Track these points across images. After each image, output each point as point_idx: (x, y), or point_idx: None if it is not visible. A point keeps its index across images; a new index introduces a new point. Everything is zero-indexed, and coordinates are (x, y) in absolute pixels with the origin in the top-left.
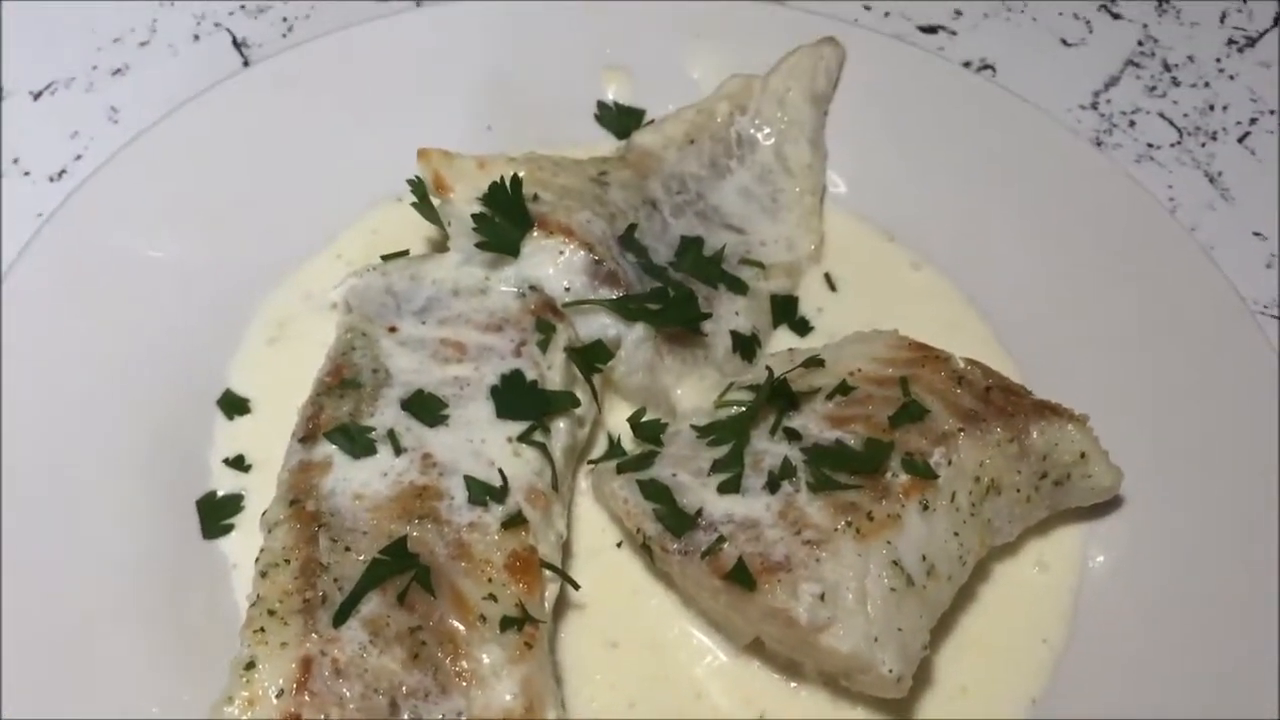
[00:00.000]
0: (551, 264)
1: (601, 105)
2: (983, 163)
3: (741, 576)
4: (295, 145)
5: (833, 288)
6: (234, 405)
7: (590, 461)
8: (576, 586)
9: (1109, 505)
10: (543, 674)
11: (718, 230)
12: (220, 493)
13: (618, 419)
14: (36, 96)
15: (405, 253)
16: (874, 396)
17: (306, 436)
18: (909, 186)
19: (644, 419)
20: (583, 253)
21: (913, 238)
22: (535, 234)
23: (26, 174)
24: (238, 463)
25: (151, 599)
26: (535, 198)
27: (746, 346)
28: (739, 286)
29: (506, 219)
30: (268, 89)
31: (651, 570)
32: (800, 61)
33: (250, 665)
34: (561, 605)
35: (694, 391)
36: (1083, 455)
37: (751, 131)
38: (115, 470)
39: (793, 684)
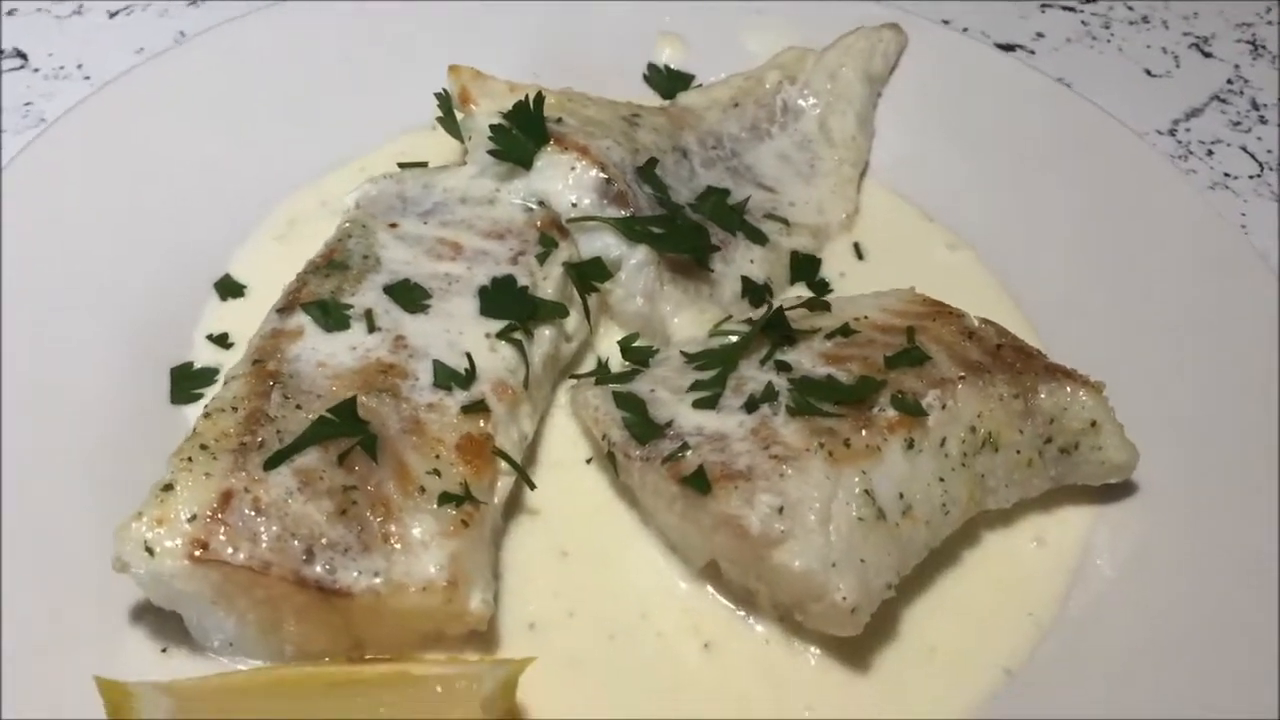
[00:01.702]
0: (562, 179)
1: (652, 67)
2: (1036, 157)
3: (698, 482)
4: (337, 67)
5: (860, 256)
6: (229, 289)
7: (573, 377)
8: (532, 486)
9: (1123, 492)
10: (475, 555)
11: (747, 186)
12: (197, 365)
13: (610, 346)
14: (113, 15)
15: (424, 164)
16: (875, 341)
17: (284, 308)
18: (956, 172)
19: (636, 344)
20: (595, 171)
21: (953, 220)
22: (550, 149)
23: (87, 78)
24: (220, 340)
25: (110, 450)
26: (559, 121)
27: (756, 293)
28: (758, 237)
29: (524, 132)
30: (319, 12)
31: (616, 488)
32: (858, 41)
33: (168, 487)
34: (515, 508)
35: (691, 324)
36: (1094, 424)
37: (798, 101)
38: (106, 327)
39: (744, 615)
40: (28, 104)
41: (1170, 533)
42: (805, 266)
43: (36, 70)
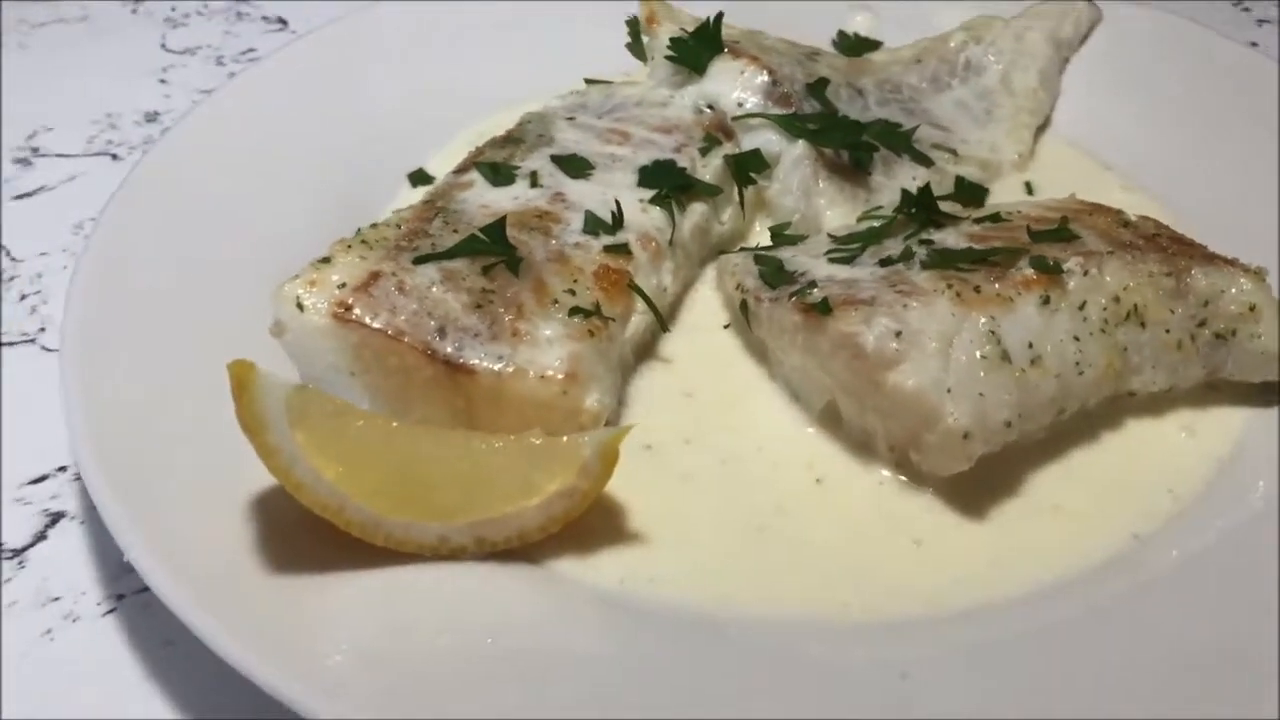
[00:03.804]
0: (731, 82)
1: (841, 33)
2: (1225, 123)
3: (820, 307)
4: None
5: (1030, 193)
6: (420, 178)
7: (721, 253)
8: (665, 326)
9: None
10: (596, 363)
11: (922, 125)
12: None
13: (764, 239)
14: None
15: (609, 82)
16: (1025, 227)
17: (460, 169)
18: (1139, 131)
19: (787, 232)
20: (764, 75)
21: (1132, 170)
22: (723, 56)
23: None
24: None
25: None
26: (737, 42)
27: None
28: (923, 160)
29: (700, 43)
30: None
31: (748, 348)
32: (1048, 8)
33: (326, 260)
34: (647, 353)
35: (844, 219)
36: (1253, 309)
37: (982, 59)
38: (320, 202)
39: (860, 461)
40: None
41: None
42: (970, 191)
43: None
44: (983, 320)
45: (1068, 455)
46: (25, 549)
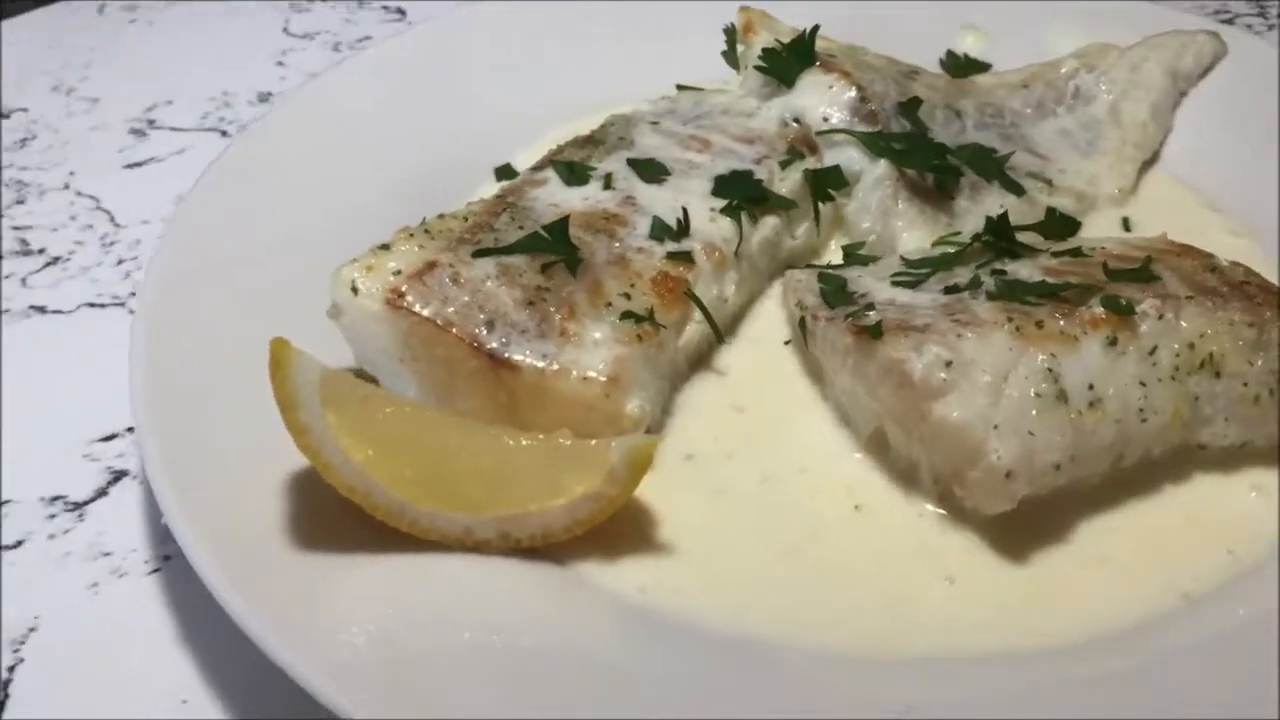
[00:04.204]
0: (819, 96)
1: (950, 53)
2: None
3: (873, 330)
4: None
5: (1128, 229)
6: (505, 173)
7: (790, 268)
8: (720, 337)
9: None
10: (643, 369)
11: (1020, 152)
12: None
13: (839, 258)
14: None
15: (701, 89)
16: (1105, 264)
17: (537, 166)
18: (1258, 176)
19: (860, 252)
20: (853, 91)
21: (1241, 214)
22: (814, 69)
23: None
24: None
25: None
26: (833, 56)
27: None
28: (1014, 187)
29: (792, 55)
30: None
31: (805, 367)
32: (1169, 39)
33: (384, 247)
34: (702, 364)
35: (922, 243)
36: None
37: (1093, 87)
38: (393, 191)
39: (904, 491)
40: None
41: None
42: (1062, 223)
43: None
44: (1041, 357)
45: (1124, 505)
46: (86, 503)
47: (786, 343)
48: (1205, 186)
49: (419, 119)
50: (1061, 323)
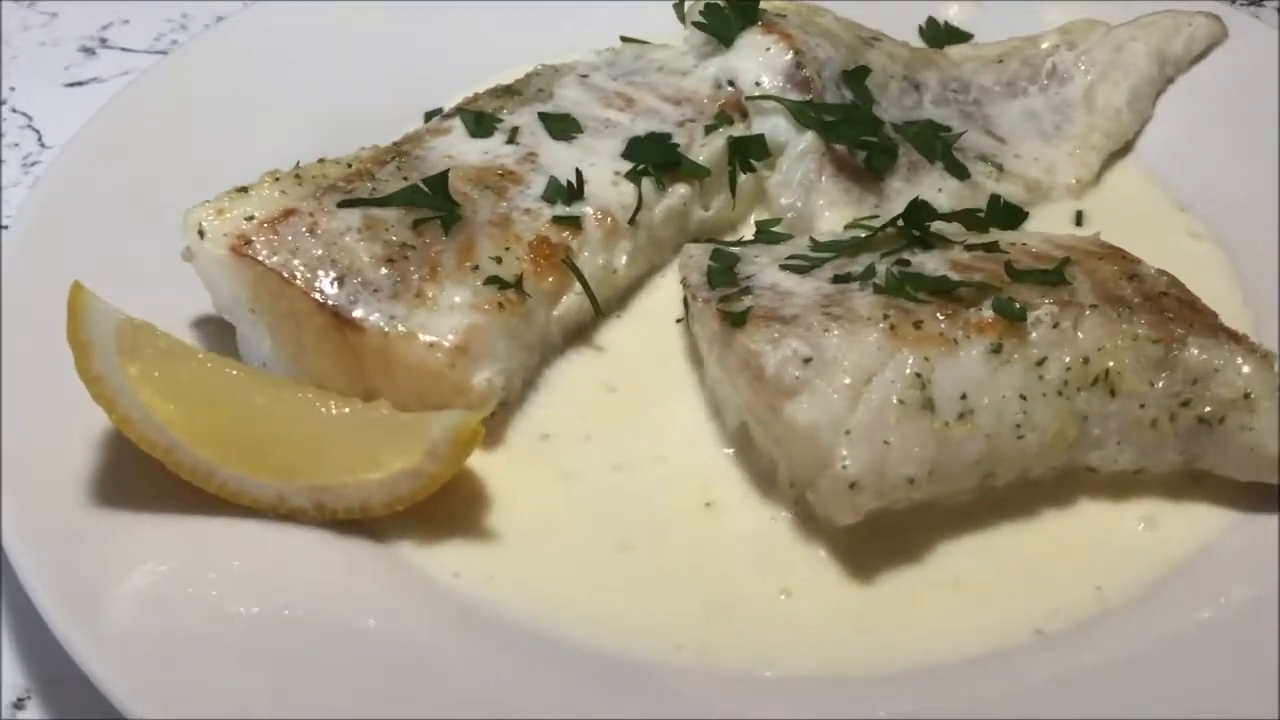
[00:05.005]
0: (754, 58)
1: (931, 20)
2: None
3: (736, 317)
4: None
5: (1079, 224)
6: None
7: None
8: (598, 310)
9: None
10: (499, 339)
11: (975, 132)
12: None
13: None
14: None
15: (646, 43)
16: (1019, 262)
17: (447, 114)
18: (1236, 177)
19: (774, 228)
20: (789, 55)
21: (1210, 218)
22: (754, 29)
23: None
24: None
25: None
26: (783, 16)
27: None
28: (958, 171)
29: (735, 11)
30: None
31: (689, 349)
32: (1161, 19)
33: (243, 190)
34: (581, 338)
35: (843, 221)
36: (1248, 396)
37: (1071, 67)
38: (313, 135)
39: (761, 493)
40: None
41: None
42: (1004, 213)
43: None
44: (912, 360)
45: (994, 527)
46: None
47: (679, 321)
48: (1177, 184)
49: (349, 61)
50: (943, 324)
